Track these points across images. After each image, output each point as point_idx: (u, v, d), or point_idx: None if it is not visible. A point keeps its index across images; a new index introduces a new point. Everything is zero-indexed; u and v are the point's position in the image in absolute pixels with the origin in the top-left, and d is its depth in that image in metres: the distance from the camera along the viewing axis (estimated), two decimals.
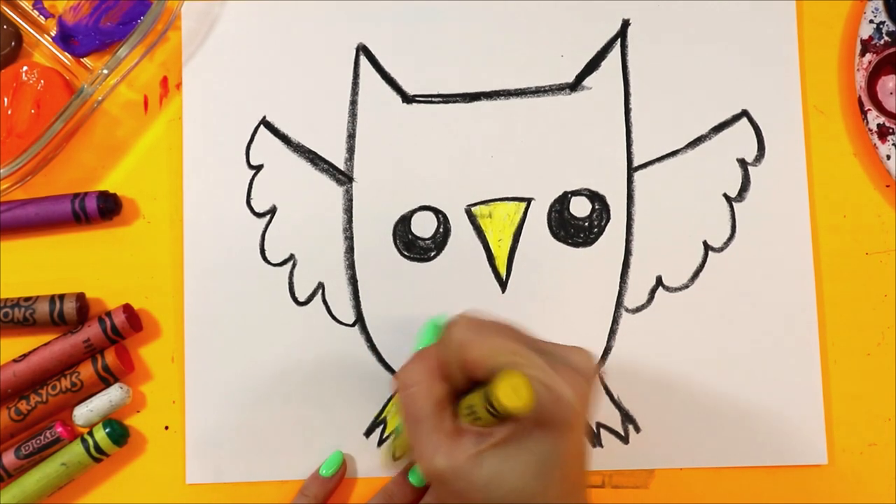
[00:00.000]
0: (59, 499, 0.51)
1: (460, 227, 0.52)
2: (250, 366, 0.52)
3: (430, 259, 0.52)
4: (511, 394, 0.35)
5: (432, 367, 0.40)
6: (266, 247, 0.52)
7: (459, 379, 0.39)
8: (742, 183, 0.51)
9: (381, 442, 0.51)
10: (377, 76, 0.53)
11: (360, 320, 0.52)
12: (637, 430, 0.51)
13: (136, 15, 0.52)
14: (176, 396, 0.52)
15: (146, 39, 0.51)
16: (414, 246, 0.52)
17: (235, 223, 0.52)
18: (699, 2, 0.52)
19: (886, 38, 0.50)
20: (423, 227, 0.52)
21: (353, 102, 0.53)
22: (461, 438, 0.38)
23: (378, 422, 0.51)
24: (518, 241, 0.51)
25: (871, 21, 0.51)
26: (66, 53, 0.53)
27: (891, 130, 0.50)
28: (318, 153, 0.53)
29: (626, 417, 0.51)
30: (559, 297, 0.51)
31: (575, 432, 0.38)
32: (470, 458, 0.38)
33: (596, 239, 0.51)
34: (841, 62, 0.52)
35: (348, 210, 0.52)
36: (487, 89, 0.52)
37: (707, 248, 0.51)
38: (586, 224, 0.51)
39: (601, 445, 0.51)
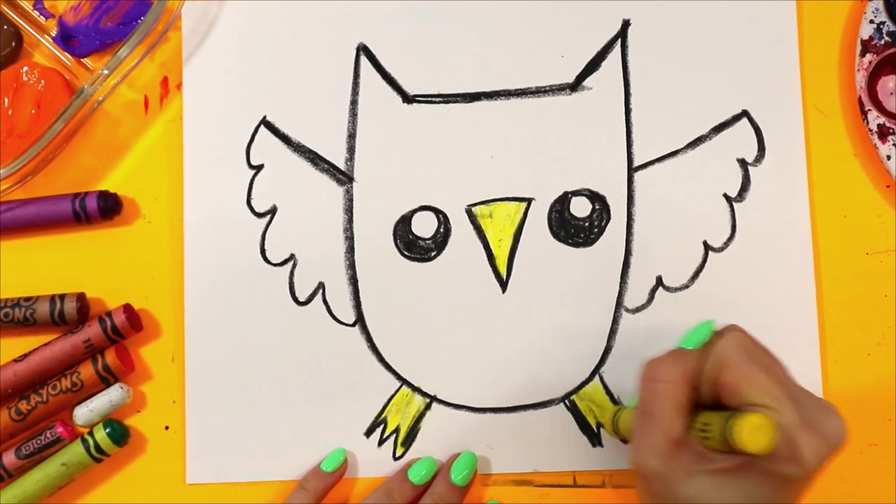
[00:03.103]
0: (59, 499, 0.51)
1: (461, 227, 0.52)
2: (250, 366, 0.52)
3: (430, 259, 0.52)
4: (753, 434, 0.34)
5: (687, 371, 0.39)
6: (266, 247, 0.52)
7: (707, 393, 0.38)
8: (742, 183, 0.51)
9: (381, 442, 0.51)
10: (377, 76, 0.53)
11: (360, 320, 0.52)
12: None
13: (137, 15, 0.52)
14: (176, 396, 0.52)
15: (146, 40, 0.51)
16: (414, 246, 0.52)
17: (236, 223, 0.52)
18: (699, 2, 0.52)
19: (887, 38, 0.50)
20: (424, 227, 0.52)
21: (354, 102, 0.53)
22: (683, 450, 0.38)
23: (378, 422, 0.51)
24: (518, 241, 0.52)
25: (872, 21, 0.51)
26: (66, 54, 0.53)
27: (891, 131, 0.50)
28: (319, 153, 0.53)
29: None
30: (559, 297, 0.51)
31: (795, 491, 0.37)
32: (684, 472, 0.37)
33: (596, 239, 0.51)
34: (841, 62, 0.52)
35: (349, 210, 0.52)
36: (487, 89, 0.52)
37: (707, 248, 0.51)
38: (586, 224, 0.52)
39: (601, 445, 0.51)
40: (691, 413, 0.39)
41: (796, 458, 0.36)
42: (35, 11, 0.54)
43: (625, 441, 0.50)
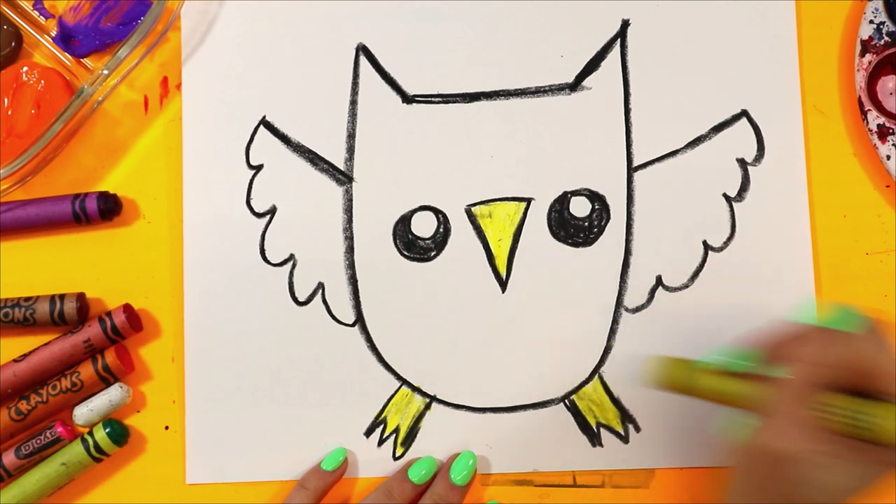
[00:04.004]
0: (59, 499, 0.51)
1: (460, 227, 0.52)
2: (250, 366, 0.52)
3: (430, 259, 0.52)
4: None
5: (832, 354, 0.38)
6: (266, 247, 0.52)
7: (844, 378, 0.38)
8: (742, 183, 0.51)
9: (381, 442, 0.51)
10: (377, 76, 0.53)
11: (360, 320, 0.52)
12: (637, 429, 0.51)
13: (137, 15, 0.52)
14: (176, 396, 0.52)
15: (146, 40, 0.51)
16: (414, 246, 0.52)
17: (235, 223, 0.52)
18: (699, 2, 0.52)
19: (886, 38, 0.50)
20: (423, 227, 0.52)
21: (353, 102, 0.53)
22: (812, 431, 0.37)
23: (378, 422, 0.51)
24: (518, 241, 0.52)
25: (871, 21, 0.51)
26: (66, 54, 0.53)
27: (891, 131, 0.50)
28: (318, 153, 0.53)
29: (626, 417, 0.51)
30: (559, 297, 0.51)
31: None
32: (815, 453, 0.37)
33: (596, 239, 0.51)
34: (841, 62, 0.52)
35: (348, 210, 0.52)
36: (487, 89, 0.52)
37: (707, 248, 0.51)
38: (586, 224, 0.52)
39: (601, 445, 0.51)
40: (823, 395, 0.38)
41: None
42: (35, 11, 0.54)
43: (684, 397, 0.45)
